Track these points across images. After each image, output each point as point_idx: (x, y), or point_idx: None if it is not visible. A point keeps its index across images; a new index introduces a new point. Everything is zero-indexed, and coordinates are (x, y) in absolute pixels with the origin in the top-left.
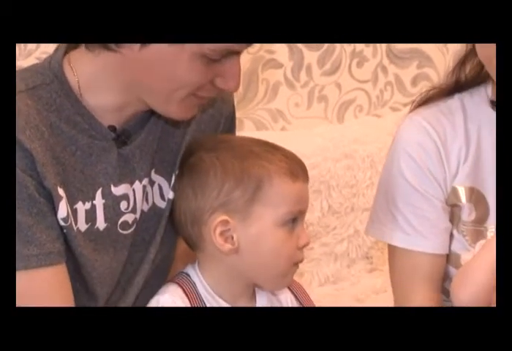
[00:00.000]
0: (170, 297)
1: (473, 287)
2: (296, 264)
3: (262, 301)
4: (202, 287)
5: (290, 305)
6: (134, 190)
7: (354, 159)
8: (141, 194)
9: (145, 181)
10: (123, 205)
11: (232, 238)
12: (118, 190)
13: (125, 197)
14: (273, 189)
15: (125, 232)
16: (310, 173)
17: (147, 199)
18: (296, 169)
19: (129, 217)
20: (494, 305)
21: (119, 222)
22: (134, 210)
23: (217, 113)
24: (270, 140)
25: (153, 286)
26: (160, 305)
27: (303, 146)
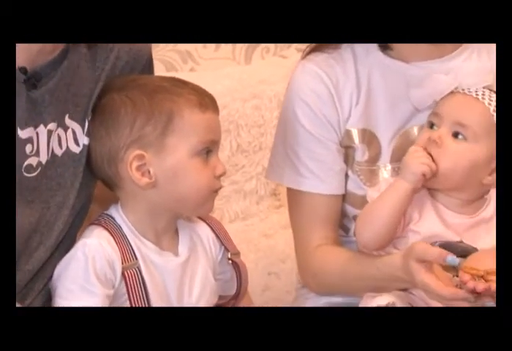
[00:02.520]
0: (96, 239)
1: (376, 225)
2: (215, 191)
3: (184, 240)
4: (127, 228)
5: (210, 242)
6: (37, 133)
7: (261, 99)
8: (45, 137)
9: (51, 126)
10: (28, 148)
11: (149, 171)
12: (24, 133)
13: (30, 140)
14: (183, 121)
15: (29, 175)
16: (219, 114)
17: (60, 144)
18: (205, 100)
19: (32, 160)
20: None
21: (24, 165)
22: (37, 154)
23: (132, 60)
24: None
25: (74, 231)
26: (87, 248)
27: (211, 87)
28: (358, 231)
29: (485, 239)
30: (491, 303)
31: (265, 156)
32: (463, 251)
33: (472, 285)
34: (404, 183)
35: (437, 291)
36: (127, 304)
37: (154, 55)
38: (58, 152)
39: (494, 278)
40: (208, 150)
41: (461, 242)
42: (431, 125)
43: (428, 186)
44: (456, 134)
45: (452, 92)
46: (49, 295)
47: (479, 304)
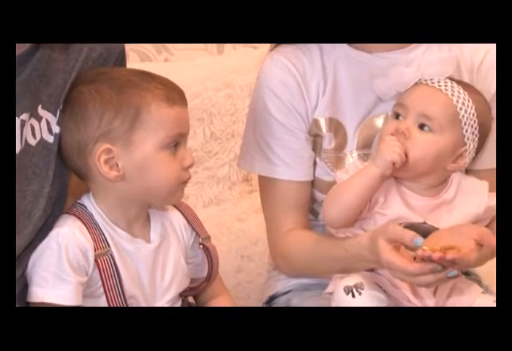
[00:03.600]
0: (69, 229)
1: (342, 204)
2: (184, 182)
3: (156, 226)
4: (99, 217)
5: (182, 228)
6: None
7: (233, 88)
8: (19, 128)
9: (24, 116)
10: None
11: (117, 165)
12: None
13: None
14: (151, 116)
15: None
16: (193, 102)
17: (34, 134)
18: (173, 94)
19: None
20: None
21: None
22: None
23: (105, 52)
24: (154, 71)
25: (53, 221)
26: (60, 237)
27: (185, 77)
28: (325, 208)
29: (447, 219)
30: (453, 272)
31: (237, 143)
32: (426, 231)
33: (427, 253)
34: (374, 168)
35: (402, 268)
36: (101, 290)
37: (129, 46)
38: (32, 142)
39: (450, 251)
40: (176, 142)
41: (425, 223)
42: (397, 115)
43: (398, 175)
44: (421, 126)
45: (416, 83)
46: (26, 283)
47: (443, 276)
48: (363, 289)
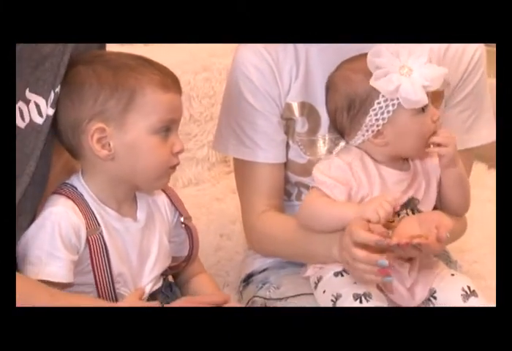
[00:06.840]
0: (62, 207)
1: (317, 227)
2: (172, 168)
3: (142, 206)
4: (89, 197)
5: (166, 207)
6: None
7: (212, 72)
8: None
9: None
10: None
11: (109, 144)
12: None
13: None
14: (145, 99)
15: None
16: (181, 93)
17: (23, 117)
18: (168, 81)
19: None
20: None
21: None
22: None
23: None
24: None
25: (33, 196)
26: (53, 215)
27: (164, 60)
28: (302, 221)
29: (428, 185)
30: (389, 278)
31: (215, 126)
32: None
33: (393, 242)
34: (353, 210)
35: (354, 228)
36: (90, 268)
37: None
38: (21, 125)
39: (417, 238)
40: (168, 128)
41: (412, 198)
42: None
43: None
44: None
45: None
46: None
47: (378, 277)
48: (371, 297)
